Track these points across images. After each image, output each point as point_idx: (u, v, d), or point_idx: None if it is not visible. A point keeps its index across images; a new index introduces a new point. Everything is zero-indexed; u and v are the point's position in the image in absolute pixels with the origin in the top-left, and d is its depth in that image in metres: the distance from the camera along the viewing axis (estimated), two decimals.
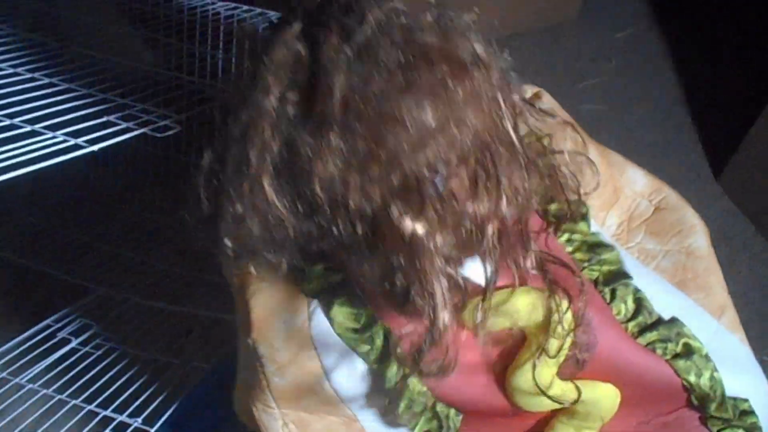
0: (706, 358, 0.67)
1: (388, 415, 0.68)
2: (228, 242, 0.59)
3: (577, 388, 0.64)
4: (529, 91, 0.76)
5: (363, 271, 0.57)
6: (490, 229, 0.55)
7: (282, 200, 0.54)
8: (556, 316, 0.61)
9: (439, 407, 0.67)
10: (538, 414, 0.69)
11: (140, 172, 1.45)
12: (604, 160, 0.74)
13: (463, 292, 0.57)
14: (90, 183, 1.41)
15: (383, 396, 0.66)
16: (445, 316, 0.55)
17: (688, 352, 0.67)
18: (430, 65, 0.52)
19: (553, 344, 0.61)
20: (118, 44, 1.24)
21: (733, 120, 1.92)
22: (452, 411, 0.68)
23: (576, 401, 0.64)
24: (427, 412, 0.66)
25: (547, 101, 0.75)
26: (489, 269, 0.58)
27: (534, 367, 0.61)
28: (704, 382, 0.66)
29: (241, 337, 0.71)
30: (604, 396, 0.66)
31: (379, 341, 0.64)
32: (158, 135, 0.95)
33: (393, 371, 0.64)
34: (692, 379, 0.66)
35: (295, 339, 0.67)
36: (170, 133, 0.96)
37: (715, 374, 0.67)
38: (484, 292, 0.58)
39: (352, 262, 0.58)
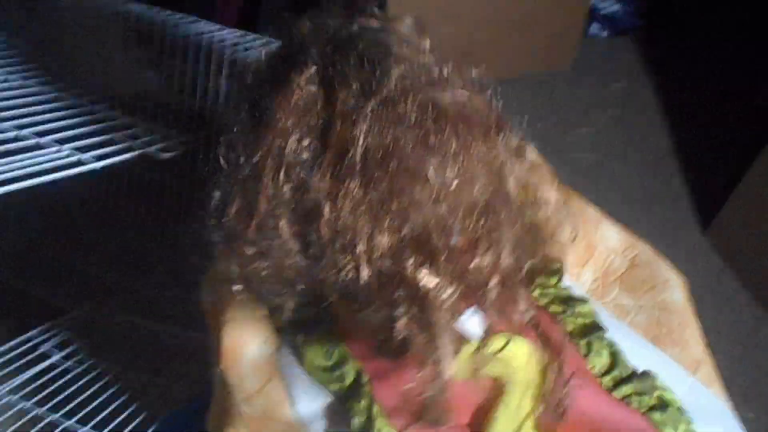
0: (680, 410, 0.67)
1: None
2: (237, 287, 0.60)
3: None
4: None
5: (360, 319, 0.57)
6: (493, 281, 0.56)
7: (293, 242, 0.54)
8: (549, 373, 0.61)
9: None
10: None
11: (134, 191, 1.45)
12: (581, 215, 0.76)
13: (459, 342, 0.57)
14: (83, 199, 1.41)
15: None
16: (451, 366, 0.55)
17: (662, 404, 0.67)
18: (455, 126, 0.52)
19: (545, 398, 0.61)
20: (123, 65, 1.25)
21: (722, 174, 1.96)
22: None
23: None
24: None
25: (531, 153, 0.76)
26: (487, 320, 0.58)
27: (527, 418, 0.61)
28: None
29: (213, 363, 0.71)
30: None
31: (348, 380, 0.64)
32: (160, 157, 0.95)
33: (361, 407, 0.63)
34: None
35: (263, 369, 0.68)
36: (171, 154, 0.96)
37: (691, 426, 0.67)
38: (481, 341, 0.59)
39: (350, 310, 0.58)
